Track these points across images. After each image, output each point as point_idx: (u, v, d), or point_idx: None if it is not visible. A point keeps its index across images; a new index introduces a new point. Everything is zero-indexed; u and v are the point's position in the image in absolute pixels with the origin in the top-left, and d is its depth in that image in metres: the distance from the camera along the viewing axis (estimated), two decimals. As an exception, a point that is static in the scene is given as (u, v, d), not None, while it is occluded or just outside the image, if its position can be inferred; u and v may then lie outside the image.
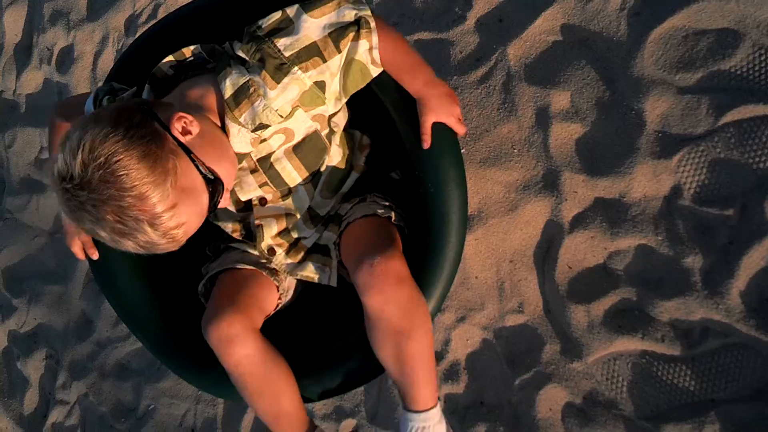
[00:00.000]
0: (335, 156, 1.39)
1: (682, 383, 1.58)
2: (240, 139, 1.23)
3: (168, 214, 1.03)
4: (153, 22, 2.29)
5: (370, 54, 1.23)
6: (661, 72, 1.62)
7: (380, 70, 1.26)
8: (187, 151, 1.09)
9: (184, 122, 1.11)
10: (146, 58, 1.50)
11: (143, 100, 1.16)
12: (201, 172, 1.11)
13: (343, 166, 1.42)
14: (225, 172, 1.17)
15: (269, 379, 1.32)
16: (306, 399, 1.45)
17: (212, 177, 1.13)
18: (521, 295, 1.75)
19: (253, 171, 1.32)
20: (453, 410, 1.80)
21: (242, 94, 1.18)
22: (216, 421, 2.14)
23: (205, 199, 1.12)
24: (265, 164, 1.31)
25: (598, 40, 1.70)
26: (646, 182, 1.62)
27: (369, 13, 1.21)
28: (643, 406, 1.61)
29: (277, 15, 1.19)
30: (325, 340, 1.50)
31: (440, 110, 1.32)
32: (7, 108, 2.66)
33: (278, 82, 1.17)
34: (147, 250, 1.06)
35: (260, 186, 1.35)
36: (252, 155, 1.30)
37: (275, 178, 1.33)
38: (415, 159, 1.37)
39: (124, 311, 1.58)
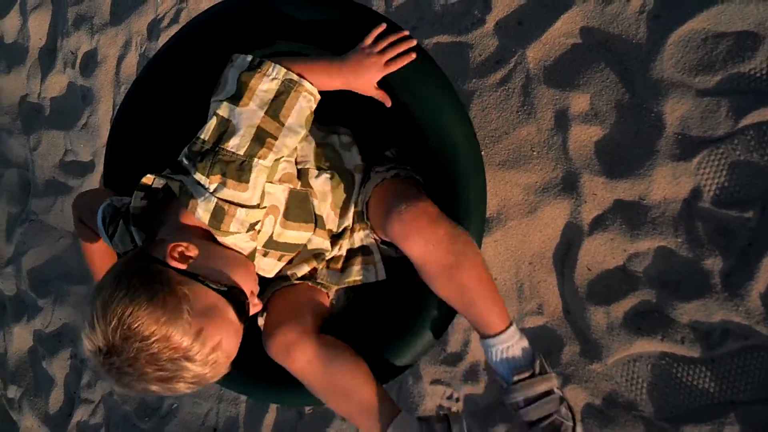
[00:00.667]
0: (325, 185, 1.42)
1: (702, 385, 1.61)
2: (239, 242, 1.26)
3: (198, 342, 1.07)
4: (175, 26, 2.34)
5: (311, 100, 1.26)
6: (680, 74, 1.64)
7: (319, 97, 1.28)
8: (193, 276, 1.13)
9: (180, 250, 1.15)
10: (165, 74, 1.56)
11: (138, 250, 1.20)
12: (214, 289, 1.14)
13: (342, 182, 1.45)
14: (241, 278, 1.21)
15: (335, 379, 1.33)
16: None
17: (226, 288, 1.16)
18: (540, 296, 1.78)
19: (265, 254, 1.36)
20: (473, 411, 1.83)
21: (219, 214, 1.20)
22: (238, 419, 2.19)
23: (230, 312, 1.15)
24: (271, 244, 1.35)
25: (617, 43, 1.72)
26: (666, 184, 1.64)
27: (284, 71, 1.22)
28: (662, 408, 1.64)
29: (212, 122, 1.20)
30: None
31: (365, 82, 1.32)
32: (32, 111, 2.72)
33: (247, 182, 1.20)
34: (200, 384, 1.10)
35: (278, 259, 1.40)
36: (257, 246, 1.32)
37: (287, 248, 1.39)
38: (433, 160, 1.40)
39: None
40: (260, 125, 1.19)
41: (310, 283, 1.45)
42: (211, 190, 1.19)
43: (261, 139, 1.19)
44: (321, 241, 1.43)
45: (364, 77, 1.30)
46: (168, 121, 1.57)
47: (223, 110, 1.19)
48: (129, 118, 1.60)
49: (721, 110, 1.60)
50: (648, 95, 1.67)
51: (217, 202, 1.19)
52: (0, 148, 2.82)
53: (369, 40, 1.31)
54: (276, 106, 1.20)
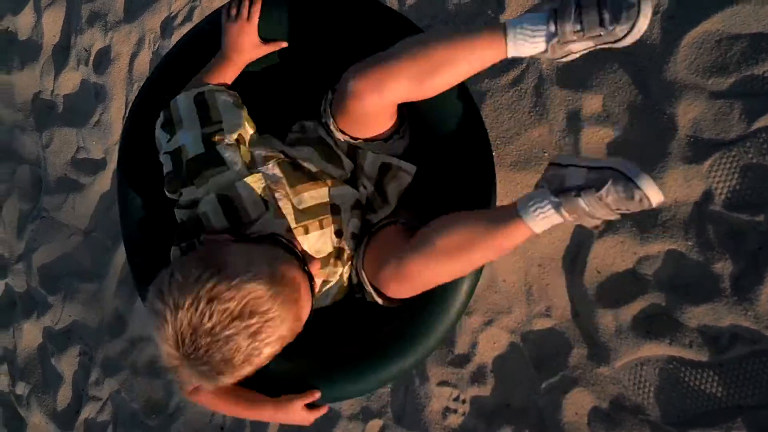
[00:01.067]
0: (305, 153, 1.50)
1: (710, 389, 1.60)
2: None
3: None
4: (188, 24, 2.37)
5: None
6: (693, 76, 1.64)
7: None
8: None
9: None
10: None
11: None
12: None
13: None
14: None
15: None
16: (334, 399, 1.50)
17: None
18: (549, 299, 1.79)
19: (306, 231, 1.40)
20: (479, 413, 1.84)
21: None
22: (245, 419, 2.20)
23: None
24: (300, 215, 1.39)
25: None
26: (677, 187, 1.64)
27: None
28: (669, 412, 1.63)
29: None
30: (353, 337, 1.55)
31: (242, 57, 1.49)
32: (45, 108, 2.76)
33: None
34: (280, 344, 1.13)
35: (321, 228, 1.43)
36: (289, 223, 1.38)
37: (317, 210, 1.42)
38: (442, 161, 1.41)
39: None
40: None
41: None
42: None
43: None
44: (342, 189, 1.46)
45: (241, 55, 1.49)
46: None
47: None
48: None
49: (734, 113, 1.60)
50: (661, 97, 1.67)
51: None
52: (12, 145, 2.85)
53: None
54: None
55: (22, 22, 2.82)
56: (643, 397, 1.67)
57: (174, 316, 1.04)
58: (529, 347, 1.80)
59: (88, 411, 2.58)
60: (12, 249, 2.83)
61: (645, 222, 1.67)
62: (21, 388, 2.79)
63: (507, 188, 1.83)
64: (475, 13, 1.93)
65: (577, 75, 1.79)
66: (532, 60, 1.84)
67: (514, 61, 1.86)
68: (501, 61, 1.84)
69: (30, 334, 2.78)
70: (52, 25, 2.75)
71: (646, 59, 1.70)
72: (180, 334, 1.04)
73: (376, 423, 1.99)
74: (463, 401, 1.87)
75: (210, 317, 1.03)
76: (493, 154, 1.84)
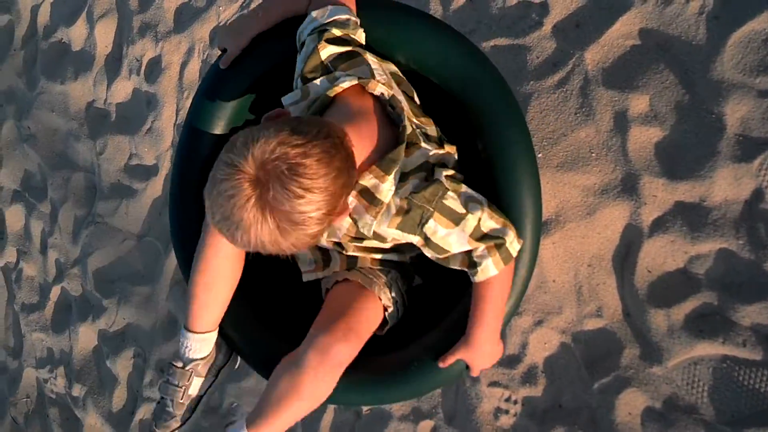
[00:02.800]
0: None
1: (764, 388, 1.63)
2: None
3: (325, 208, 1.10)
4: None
5: (488, 270, 1.35)
6: (740, 75, 1.67)
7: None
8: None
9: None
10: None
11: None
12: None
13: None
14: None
15: None
16: (385, 401, 1.57)
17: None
18: (600, 299, 1.82)
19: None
20: (531, 413, 1.88)
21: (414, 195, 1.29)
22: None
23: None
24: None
25: (676, 44, 1.76)
26: (727, 186, 1.67)
27: (517, 248, 1.36)
28: (723, 411, 1.66)
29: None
30: (401, 343, 1.60)
31: (474, 359, 1.46)
32: (98, 117, 2.88)
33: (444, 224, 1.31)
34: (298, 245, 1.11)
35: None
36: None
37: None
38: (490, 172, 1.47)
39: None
40: (470, 234, 1.34)
41: (366, 288, 1.51)
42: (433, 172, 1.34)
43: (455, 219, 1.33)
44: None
45: (480, 360, 1.49)
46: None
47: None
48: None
49: (785, 111, 1.63)
50: (708, 96, 1.70)
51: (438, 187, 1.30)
52: (67, 153, 2.98)
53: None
54: (486, 240, 1.34)
55: (76, 34, 2.95)
56: (696, 396, 1.69)
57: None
58: (581, 348, 1.84)
59: (142, 412, 2.69)
60: (68, 254, 2.95)
61: (695, 221, 1.70)
62: (77, 390, 2.91)
63: (554, 189, 1.87)
64: (519, 16, 1.98)
65: (623, 76, 1.82)
66: (578, 61, 1.88)
67: (559, 63, 1.91)
68: (546, 63, 1.91)
69: (85, 337, 2.90)
70: (105, 36, 2.87)
71: (693, 59, 1.73)
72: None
73: (427, 424, 2.05)
74: (515, 402, 1.92)
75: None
76: (539, 155, 1.89)
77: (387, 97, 1.31)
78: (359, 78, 1.31)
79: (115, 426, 2.78)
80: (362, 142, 1.26)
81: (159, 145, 2.66)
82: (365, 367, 1.52)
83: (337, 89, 1.30)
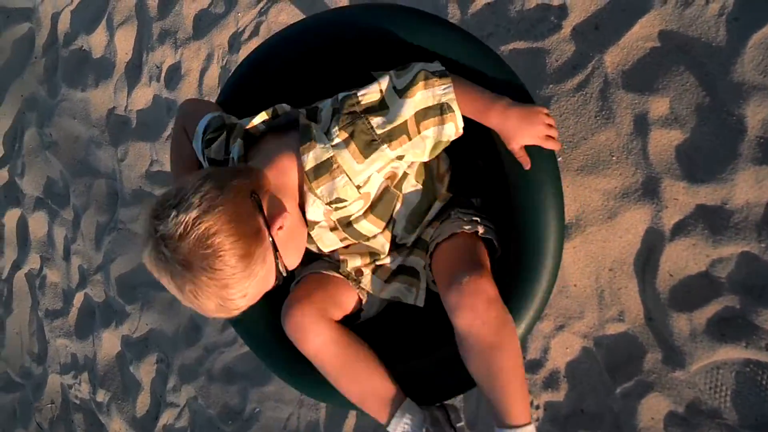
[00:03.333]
0: (413, 196, 1.53)
1: (787, 392, 1.64)
2: (314, 208, 1.40)
3: (241, 300, 1.21)
4: (256, 39, 2.50)
5: (454, 130, 1.38)
6: (761, 77, 1.68)
7: (460, 133, 1.40)
8: (275, 251, 1.26)
9: (283, 222, 1.28)
10: (252, 79, 1.70)
11: (253, 187, 1.27)
12: (278, 270, 1.29)
13: (424, 202, 1.56)
14: (292, 262, 1.36)
15: (349, 361, 1.47)
16: None
17: (284, 274, 1.31)
18: (621, 303, 1.84)
19: (332, 229, 1.49)
20: (553, 418, 1.90)
21: (323, 168, 1.34)
22: (319, 425, 2.32)
23: (271, 284, 1.30)
24: (343, 223, 1.47)
25: (696, 46, 1.77)
26: (749, 188, 1.68)
27: (450, 95, 1.35)
28: (747, 415, 1.67)
29: (375, 94, 1.35)
30: (416, 353, 1.63)
31: (520, 135, 1.41)
32: (119, 123, 2.94)
33: (366, 158, 1.34)
34: (218, 304, 1.20)
35: (341, 240, 1.52)
36: (331, 216, 1.45)
37: (354, 234, 1.50)
38: (511, 183, 1.49)
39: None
40: (406, 122, 1.33)
41: (348, 282, 1.57)
42: (333, 144, 1.33)
43: (399, 132, 1.34)
44: (383, 243, 1.55)
45: (525, 131, 1.41)
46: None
47: (388, 91, 1.35)
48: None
49: (807, 112, 1.63)
50: (729, 98, 1.71)
51: (330, 158, 1.33)
52: (89, 160, 3.04)
53: (546, 111, 1.43)
54: (425, 115, 1.34)
55: (96, 41, 3.01)
56: (719, 400, 1.71)
57: None
58: (603, 352, 1.85)
59: (166, 417, 2.74)
60: (90, 260, 3.02)
61: (717, 224, 1.71)
62: (101, 396, 2.97)
63: (575, 193, 1.89)
64: (538, 19, 2.00)
65: (642, 78, 1.84)
66: (597, 63, 1.89)
67: (578, 66, 1.92)
68: (565, 65, 1.92)
69: (109, 343, 2.96)
70: (124, 43, 2.93)
71: (713, 61, 1.74)
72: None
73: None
74: (537, 407, 1.94)
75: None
76: (560, 159, 1.91)
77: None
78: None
79: (139, 431, 2.84)
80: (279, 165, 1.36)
81: (179, 151, 2.70)
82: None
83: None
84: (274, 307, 1.71)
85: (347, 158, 1.33)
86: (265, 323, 1.72)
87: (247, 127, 1.41)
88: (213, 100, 2.45)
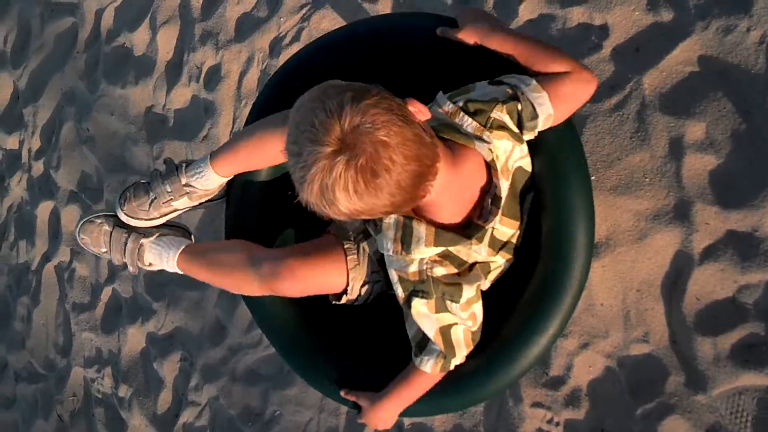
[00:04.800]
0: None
1: (808, 421, 1.69)
2: None
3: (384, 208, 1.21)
4: (296, 44, 2.61)
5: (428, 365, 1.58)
6: (798, 107, 1.74)
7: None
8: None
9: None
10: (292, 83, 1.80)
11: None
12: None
13: None
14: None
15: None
16: (430, 413, 1.69)
17: None
18: (647, 324, 1.90)
19: None
20: (573, 436, 1.97)
21: None
22: (338, 430, 2.40)
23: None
24: None
25: (735, 73, 1.84)
26: (781, 216, 1.74)
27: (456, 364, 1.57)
28: (767, 443, 1.73)
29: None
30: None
31: (370, 416, 1.70)
32: (156, 122, 3.06)
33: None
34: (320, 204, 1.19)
35: None
36: None
37: None
38: (541, 186, 1.57)
39: (262, 318, 1.87)
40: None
41: (342, 255, 1.65)
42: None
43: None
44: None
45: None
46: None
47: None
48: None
49: (842, 143, 1.69)
50: (765, 126, 1.78)
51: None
52: (125, 156, 3.17)
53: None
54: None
55: (138, 39, 3.15)
56: (740, 426, 1.76)
57: None
58: (626, 372, 1.92)
59: (186, 415, 2.85)
60: (120, 256, 3.13)
61: (746, 250, 1.78)
62: (123, 391, 3.09)
63: (606, 212, 1.96)
64: (579, 38, 2.08)
65: (680, 102, 1.90)
66: (636, 85, 1.97)
67: (616, 86, 2.00)
68: (603, 85, 2.00)
69: (134, 339, 3.08)
70: (166, 42, 3.06)
71: (751, 88, 1.81)
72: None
73: (467, 441, 2.15)
74: (557, 424, 2.00)
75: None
76: (593, 177, 1.98)
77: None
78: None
79: (159, 428, 2.94)
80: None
81: (215, 152, 2.82)
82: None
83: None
84: (300, 309, 1.81)
85: None
86: (292, 324, 1.82)
87: None
88: (252, 103, 2.58)
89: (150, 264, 1.80)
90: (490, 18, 1.62)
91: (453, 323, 1.49)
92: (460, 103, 1.44)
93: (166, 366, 2.94)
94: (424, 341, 1.53)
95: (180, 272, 1.79)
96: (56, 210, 3.47)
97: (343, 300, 1.69)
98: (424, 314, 1.48)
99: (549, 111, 1.45)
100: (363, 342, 1.85)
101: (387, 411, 1.66)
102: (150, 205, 1.71)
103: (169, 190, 1.70)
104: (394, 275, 1.50)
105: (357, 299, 1.70)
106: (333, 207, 1.17)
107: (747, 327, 1.76)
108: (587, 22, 2.08)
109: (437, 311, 1.47)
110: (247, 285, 1.66)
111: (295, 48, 2.61)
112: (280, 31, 2.69)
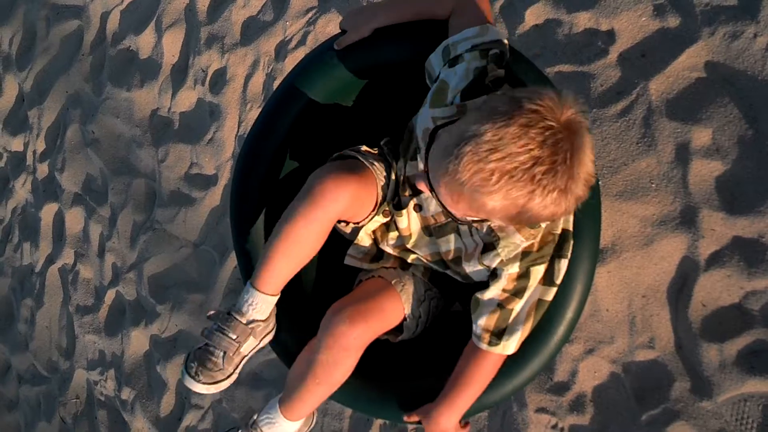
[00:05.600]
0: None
1: (814, 428, 1.69)
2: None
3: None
4: (302, 48, 2.62)
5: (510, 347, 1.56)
6: (804, 113, 1.75)
7: None
8: None
9: None
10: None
11: None
12: None
13: None
14: None
15: None
16: None
17: None
18: (652, 330, 1.91)
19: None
20: (577, 442, 1.97)
21: None
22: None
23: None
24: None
25: (742, 79, 1.84)
26: (787, 223, 1.75)
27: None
28: (773, 450, 1.73)
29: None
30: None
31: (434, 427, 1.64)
32: (162, 125, 3.07)
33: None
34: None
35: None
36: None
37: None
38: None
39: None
40: None
41: (398, 293, 1.66)
42: None
43: None
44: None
45: None
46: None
47: None
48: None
49: None
50: (771, 132, 1.78)
51: None
52: (129, 159, 3.18)
53: None
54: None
55: (143, 42, 3.16)
56: (745, 433, 1.77)
57: None
58: (631, 378, 1.92)
59: (189, 419, 2.85)
60: (124, 258, 3.15)
61: (753, 257, 1.78)
62: (126, 394, 3.09)
63: (612, 218, 1.97)
64: (585, 43, 2.09)
65: (686, 108, 1.91)
66: (642, 91, 1.97)
67: (623, 92, 2.01)
68: (610, 91, 2.01)
69: (137, 341, 3.08)
70: (172, 45, 3.07)
71: (758, 94, 1.82)
72: None
73: (472, 446, 2.15)
74: (561, 429, 2.01)
75: None
76: (600, 183, 1.98)
77: None
78: None
79: (161, 431, 2.94)
80: None
81: (220, 155, 2.83)
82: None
83: None
84: (299, 315, 1.81)
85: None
86: (293, 332, 1.82)
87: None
88: (258, 105, 2.59)
89: None
90: (361, 8, 1.72)
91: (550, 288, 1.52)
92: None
93: (169, 369, 2.94)
94: (502, 317, 1.52)
95: (300, 422, 1.72)
96: (61, 212, 3.48)
97: (404, 334, 1.70)
98: (537, 283, 1.50)
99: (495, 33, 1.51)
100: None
101: (457, 411, 1.60)
102: (223, 360, 1.59)
103: (234, 336, 1.58)
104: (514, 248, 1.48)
105: (417, 327, 1.71)
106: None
107: (753, 333, 1.77)
108: (594, 27, 2.08)
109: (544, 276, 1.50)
110: (328, 372, 1.60)
111: (302, 52, 2.62)
112: (285, 35, 2.70)
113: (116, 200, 3.19)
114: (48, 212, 3.55)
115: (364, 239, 1.70)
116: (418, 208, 1.59)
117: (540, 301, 1.50)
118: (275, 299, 1.61)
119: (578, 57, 2.11)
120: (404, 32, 1.66)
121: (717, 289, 1.83)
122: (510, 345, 1.52)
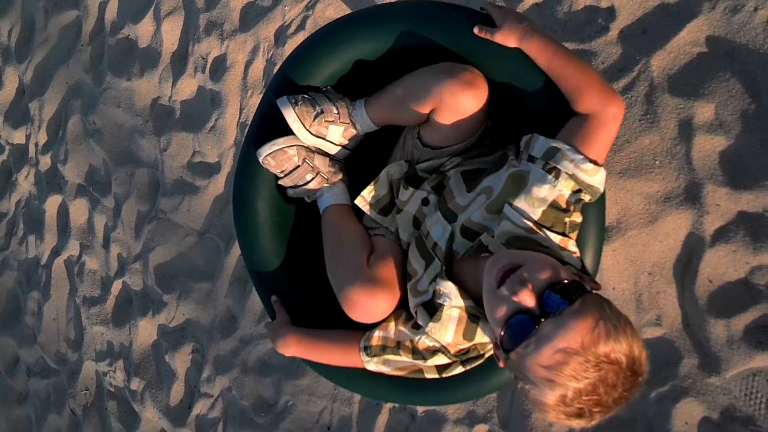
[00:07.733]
0: None
1: (822, 401, 1.71)
2: None
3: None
4: (302, 33, 2.63)
5: None
6: (807, 86, 1.75)
7: None
8: None
9: None
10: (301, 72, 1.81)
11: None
12: None
13: None
14: None
15: None
16: (442, 402, 1.71)
17: None
18: (659, 307, 1.92)
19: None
20: None
21: None
22: (351, 419, 2.43)
23: None
24: None
25: (743, 53, 1.85)
26: (792, 196, 1.76)
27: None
28: (781, 423, 1.75)
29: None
30: None
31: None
32: (163, 113, 3.09)
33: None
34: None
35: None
36: None
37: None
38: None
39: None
40: None
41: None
42: None
43: None
44: None
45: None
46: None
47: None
48: None
49: None
50: (775, 106, 1.79)
51: None
52: (132, 148, 3.20)
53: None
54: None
55: (142, 31, 3.17)
56: (754, 408, 1.78)
57: None
58: (638, 356, 1.94)
59: (199, 407, 2.89)
60: (130, 249, 3.18)
61: (758, 231, 1.79)
62: (135, 384, 3.13)
63: (616, 196, 1.98)
64: (585, 21, 2.09)
65: (688, 83, 1.92)
66: (644, 67, 1.98)
67: (624, 69, 2.01)
68: (611, 68, 2.01)
69: (145, 332, 3.12)
70: (171, 33, 3.08)
71: (760, 68, 1.82)
72: None
73: (481, 428, 2.18)
74: (570, 409, 2.02)
75: None
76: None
77: None
78: None
79: (172, 420, 2.98)
80: None
81: (222, 142, 2.84)
82: None
83: None
84: (306, 297, 1.84)
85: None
86: (300, 313, 1.84)
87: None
88: (258, 92, 2.60)
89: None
90: (527, 20, 1.62)
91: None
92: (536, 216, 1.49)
93: (177, 358, 2.98)
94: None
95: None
96: (64, 204, 3.51)
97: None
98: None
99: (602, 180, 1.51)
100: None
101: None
102: (315, 118, 1.71)
103: (336, 111, 1.72)
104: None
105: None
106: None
107: (760, 308, 1.78)
108: (594, 4, 2.09)
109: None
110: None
111: (301, 37, 2.62)
112: (285, 20, 2.70)
113: (120, 190, 3.22)
114: (52, 204, 3.58)
115: (384, 183, 1.76)
116: (426, 201, 1.67)
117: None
118: (373, 127, 1.77)
119: (579, 35, 2.11)
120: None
121: (723, 265, 1.84)
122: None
